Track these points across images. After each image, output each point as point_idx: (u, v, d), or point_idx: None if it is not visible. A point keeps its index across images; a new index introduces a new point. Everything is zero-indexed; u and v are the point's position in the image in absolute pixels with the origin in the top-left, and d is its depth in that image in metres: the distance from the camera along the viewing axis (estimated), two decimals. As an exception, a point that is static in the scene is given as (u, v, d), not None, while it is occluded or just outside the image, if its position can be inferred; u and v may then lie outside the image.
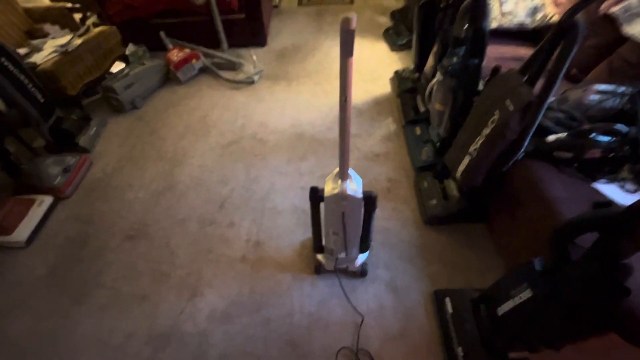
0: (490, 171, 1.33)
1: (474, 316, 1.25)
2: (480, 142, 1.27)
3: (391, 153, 1.99)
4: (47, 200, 1.77)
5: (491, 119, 1.20)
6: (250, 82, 2.56)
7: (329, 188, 1.09)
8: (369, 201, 1.13)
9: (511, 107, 1.13)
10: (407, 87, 2.30)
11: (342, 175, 1.05)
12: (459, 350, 1.20)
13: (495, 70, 1.40)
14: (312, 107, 2.34)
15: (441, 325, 1.29)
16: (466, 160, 1.36)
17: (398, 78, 2.44)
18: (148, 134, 2.19)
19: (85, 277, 1.52)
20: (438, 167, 1.69)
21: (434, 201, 1.63)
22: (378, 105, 2.34)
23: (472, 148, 1.32)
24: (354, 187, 1.08)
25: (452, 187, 1.63)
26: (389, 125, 2.18)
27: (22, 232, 1.64)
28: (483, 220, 1.60)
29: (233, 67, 2.70)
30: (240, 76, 2.60)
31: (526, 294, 0.94)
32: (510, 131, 1.15)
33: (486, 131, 1.23)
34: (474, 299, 1.27)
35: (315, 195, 1.14)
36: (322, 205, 1.18)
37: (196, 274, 1.51)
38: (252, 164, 1.97)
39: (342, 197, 1.06)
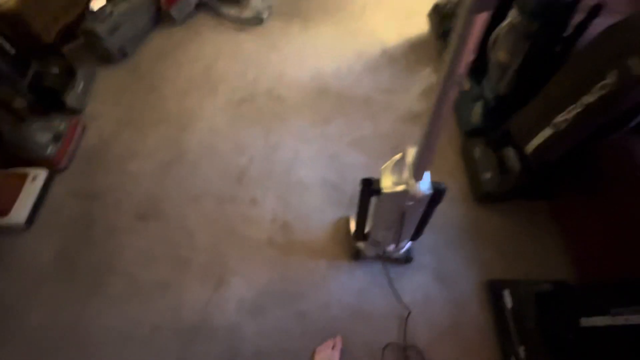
0: (577, 147, 1.08)
1: (539, 313, 1.11)
2: (575, 112, 0.99)
3: (433, 113, 1.69)
4: (42, 173, 1.55)
5: (600, 84, 0.91)
6: (258, 22, 2.14)
7: (389, 183, 0.86)
8: (437, 195, 0.91)
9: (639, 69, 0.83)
10: (450, 26, 1.90)
11: (418, 173, 0.81)
12: (521, 350, 1.08)
13: (597, 9, 1.06)
14: (335, 53, 1.96)
15: (499, 321, 1.17)
16: (547, 133, 1.09)
17: (438, 14, 2.01)
18: (145, 91, 1.87)
19: (96, 262, 1.37)
20: (496, 134, 1.42)
21: (489, 174, 1.40)
22: (414, 50, 1.96)
23: (559, 118, 1.04)
24: (424, 182, 0.85)
25: (512, 158, 1.38)
26: (428, 76, 1.84)
27: (20, 212, 1.46)
28: (546, 198, 1.38)
29: None
30: (247, 13, 2.16)
31: (637, 320, 0.77)
32: (630, 100, 0.87)
33: (589, 99, 0.94)
34: (540, 293, 1.12)
35: (369, 188, 0.92)
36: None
37: (219, 259, 1.36)
38: (271, 128, 1.69)
39: (410, 197, 0.83)
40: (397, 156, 0.88)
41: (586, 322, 0.91)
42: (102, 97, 1.86)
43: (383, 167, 0.91)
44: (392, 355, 1.15)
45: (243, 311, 1.25)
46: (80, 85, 1.85)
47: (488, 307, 1.22)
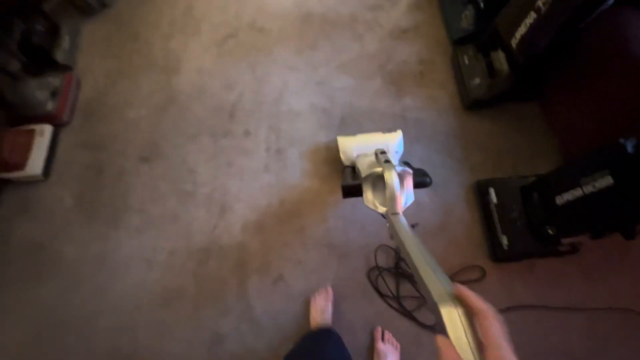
0: (561, 30, 1.04)
1: (523, 205, 1.16)
2: (555, -10, 0.94)
3: (422, 26, 1.62)
4: (47, 129, 1.64)
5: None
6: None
7: (369, 196, 0.86)
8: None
9: None
10: None
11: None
12: (504, 240, 1.16)
13: None
14: (316, -25, 1.85)
15: (485, 216, 1.23)
16: (529, 20, 1.05)
17: None
18: (130, 39, 1.86)
19: (112, 203, 1.50)
20: (485, 36, 1.37)
21: (477, 80, 1.38)
22: (401, -39, 1.82)
23: (540, 1, 0.99)
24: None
25: (500, 60, 1.34)
26: (416, -13, 1.73)
27: (35, 164, 1.57)
28: (535, 98, 1.36)
29: None
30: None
31: (604, 182, 0.80)
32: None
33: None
34: (524, 186, 1.16)
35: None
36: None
37: (221, 189, 1.45)
38: (257, 61, 1.68)
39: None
40: (371, 155, 0.91)
41: (560, 199, 0.95)
42: (90, 50, 1.87)
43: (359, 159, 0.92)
44: (383, 255, 1.25)
45: (247, 231, 1.36)
46: (66, 41, 1.86)
47: (475, 206, 1.27)
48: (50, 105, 1.65)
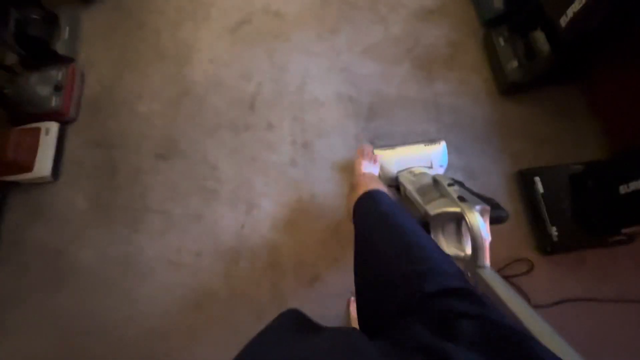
0: (619, 7, 0.96)
1: (573, 194, 1.10)
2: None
3: (449, 6, 1.53)
4: (53, 126, 1.53)
5: None
6: None
7: (440, 240, 0.76)
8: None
9: None
10: None
11: None
12: (553, 230, 1.11)
13: None
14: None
15: (531, 207, 1.17)
16: (586, -4, 0.97)
17: None
18: (135, 28, 1.74)
19: (130, 204, 1.42)
20: (522, 15, 1.28)
21: (515, 63, 1.30)
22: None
23: (602, -27, 0.91)
24: None
25: (541, 40, 1.26)
26: (441, -36, 1.63)
27: (43, 166, 1.47)
28: (578, 78, 1.29)
29: None
30: None
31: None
32: None
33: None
34: (574, 174, 1.10)
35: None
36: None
37: (246, 185, 1.37)
38: (275, 48, 1.58)
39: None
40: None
41: (625, 188, 0.89)
42: (92, 41, 1.75)
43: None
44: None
45: (278, 229, 1.30)
46: (66, 31, 1.73)
47: (519, 197, 1.22)
48: (54, 101, 1.54)
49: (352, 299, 1.17)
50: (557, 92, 1.32)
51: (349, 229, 1.26)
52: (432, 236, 0.73)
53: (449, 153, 1.28)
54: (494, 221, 0.72)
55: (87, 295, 1.30)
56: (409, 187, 0.95)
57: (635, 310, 1.09)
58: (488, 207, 0.70)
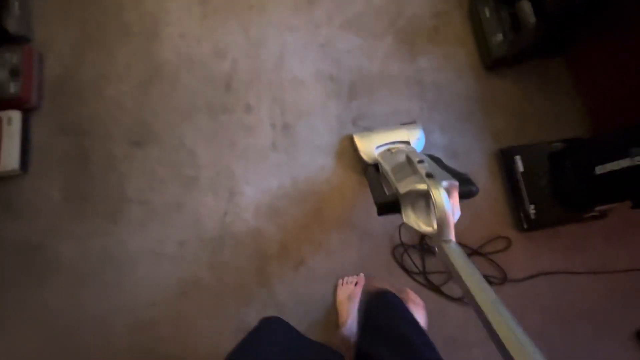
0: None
1: (551, 172, 1.11)
2: None
3: (434, -28, 1.43)
4: (15, 115, 1.42)
5: None
6: None
7: (410, 216, 0.74)
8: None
9: None
10: None
11: None
12: (531, 208, 1.13)
13: None
14: None
15: (510, 185, 1.19)
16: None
17: None
18: (93, 1, 1.58)
19: (107, 194, 1.37)
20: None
21: (500, 36, 1.25)
22: None
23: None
24: None
25: (527, 11, 1.21)
26: None
27: (10, 158, 1.38)
28: (563, 51, 1.26)
29: None
30: None
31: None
32: None
33: None
34: (554, 152, 1.11)
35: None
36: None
37: (226, 171, 1.34)
38: (250, 21, 1.47)
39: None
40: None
41: (602, 169, 0.90)
42: (47, 16, 1.59)
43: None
44: (407, 232, 1.21)
45: (261, 215, 1.28)
46: (15, 6, 1.56)
47: (499, 175, 1.23)
48: (13, 87, 1.41)
49: (340, 281, 1.19)
50: (542, 68, 1.29)
51: (332, 213, 1.27)
52: (403, 213, 0.73)
53: (431, 132, 1.27)
54: (463, 196, 0.73)
55: (70, 289, 1.28)
56: (385, 166, 0.94)
57: (605, 281, 1.15)
58: (456, 183, 0.70)
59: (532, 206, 1.13)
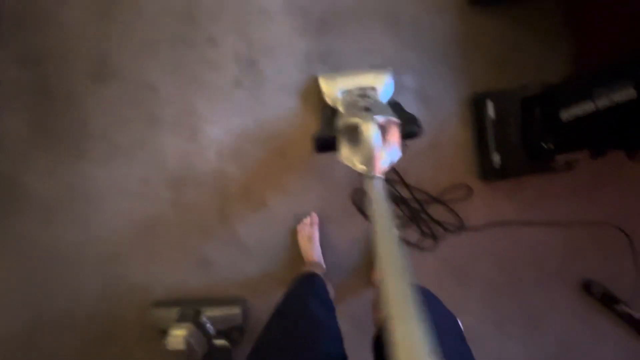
0: None
1: (522, 119, 1.06)
2: None
3: None
4: (-30, 42, 1.35)
5: None
6: None
7: (345, 152, 0.69)
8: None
9: None
10: None
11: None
12: (495, 157, 1.09)
13: None
14: None
15: (478, 132, 1.14)
16: None
17: None
18: None
19: (68, 130, 1.34)
20: None
21: (488, -37, 1.11)
22: None
23: None
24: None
25: None
26: None
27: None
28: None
29: None
30: None
31: (624, 95, 0.69)
32: None
33: None
34: (526, 97, 1.04)
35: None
36: None
37: (189, 109, 1.29)
38: (214, -59, 1.32)
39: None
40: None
41: (566, 114, 0.84)
42: None
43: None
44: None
45: (224, 156, 1.26)
46: None
47: (470, 123, 1.17)
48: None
49: (299, 226, 1.20)
50: (531, 3, 1.16)
51: (296, 153, 1.24)
52: (338, 147, 0.70)
53: (404, 73, 1.19)
54: (406, 136, 0.70)
55: (42, 221, 1.32)
56: (341, 107, 0.89)
57: (562, 234, 1.15)
58: (395, 120, 0.66)
59: (497, 155, 1.08)
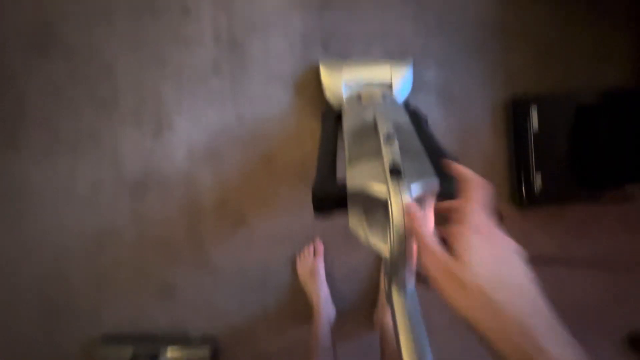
0: None
1: (577, 131, 0.83)
2: None
3: None
4: None
5: None
6: None
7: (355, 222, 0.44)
8: None
9: None
10: None
11: None
12: (537, 179, 0.87)
13: None
14: None
15: (516, 145, 0.91)
16: None
17: None
18: None
19: (4, 114, 1.07)
20: None
21: None
22: None
23: None
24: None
25: None
26: None
27: None
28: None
29: None
30: None
31: None
32: None
33: None
34: (583, 106, 0.81)
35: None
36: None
37: (154, 97, 1.03)
38: None
39: None
40: None
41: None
42: None
43: None
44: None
45: (196, 157, 1.02)
46: None
47: (505, 130, 0.94)
48: None
49: (297, 255, 0.97)
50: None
51: (286, 159, 1.00)
52: (349, 213, 0.45)
53: (425, 66, 0.95)
54: (441, 198, 0.43)
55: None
56: (345, 121, 0.65)
57: (609, 276, 0.94)
58: (435, 185, 0.41)
59: (540, 176, 0.86)
